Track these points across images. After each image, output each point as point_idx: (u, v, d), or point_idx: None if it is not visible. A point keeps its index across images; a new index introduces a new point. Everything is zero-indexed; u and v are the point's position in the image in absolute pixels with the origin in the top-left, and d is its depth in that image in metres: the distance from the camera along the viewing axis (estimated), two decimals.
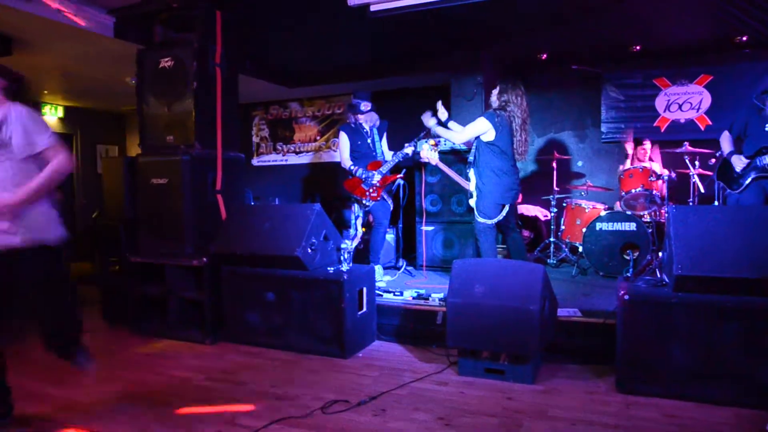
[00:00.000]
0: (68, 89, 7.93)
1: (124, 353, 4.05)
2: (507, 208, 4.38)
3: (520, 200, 6.20)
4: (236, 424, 2.79)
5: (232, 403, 3.06)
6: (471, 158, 4.48)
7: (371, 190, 4.92)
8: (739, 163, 4.00)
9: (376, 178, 4.91)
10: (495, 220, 4.35)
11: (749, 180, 3.92)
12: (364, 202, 4.96)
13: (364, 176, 4.93)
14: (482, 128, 4.30)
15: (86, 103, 9.07)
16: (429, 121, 4.61)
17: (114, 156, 9.66)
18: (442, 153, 5.34)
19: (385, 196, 5.09)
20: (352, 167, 4.99)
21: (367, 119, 5.05)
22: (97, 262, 5.52)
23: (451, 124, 4.58)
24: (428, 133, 5.04)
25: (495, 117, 4.29)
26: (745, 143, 4.11)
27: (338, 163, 5.41)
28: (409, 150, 4.95)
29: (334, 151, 8.50)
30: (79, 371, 2.95)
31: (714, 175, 4.50)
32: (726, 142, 4.23)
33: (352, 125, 5.09)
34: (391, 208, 5.19)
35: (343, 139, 5.08)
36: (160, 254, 4.42)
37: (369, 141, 5.07)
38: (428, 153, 4.45)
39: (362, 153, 5.06)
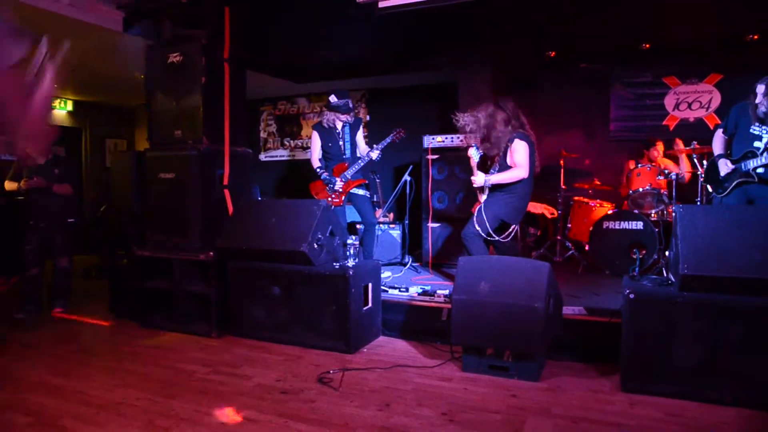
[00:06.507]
0: (77, 83, 7.98)
1: (131, 346, 4.08)
2: (510, 231, 4.27)
3: None
4: (241, 418, 2.81)
5: (238, 397, 3.09)
6: (492, 171, 4.34)
7: (333, 196, 4.97)
8: (724, 167, 3.95)
9: (338, 184, 4.97)
10: (485, 235, 4.24)
11: (733, 185, 3.89)
12: None
13: (326, 181, 5.00)
14: (527, 150, 4.16)
15: (95, 98, 9.13)
16: (480, 179, 4.32)
17: (123, 150, 9.72)
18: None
19: (364, 192, 5.12)
20: (318, 169, 5.06)
21: (340, 117, 5.03)
22: (104, 255, 5.57)
23: (493, 177, 4.29)
24: (397, 135, 5.06)
25: (528, 138, 4.21)
26: (733, 143, 4.04)
27: None
28: (374, 154, 5.00)
29: None
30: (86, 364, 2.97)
31: (701, 177, 4.43)
32: (718, 144, 4.15)
33: (325, 125, 5.09)
34: (372, 202, 5.22)
35: (315, 139, 5.11)
36: (167, 248, 4.45)
37: (340, 143, 5.07)
38: (473, 152, 4.43)
39: (332, 154, 5.08)
